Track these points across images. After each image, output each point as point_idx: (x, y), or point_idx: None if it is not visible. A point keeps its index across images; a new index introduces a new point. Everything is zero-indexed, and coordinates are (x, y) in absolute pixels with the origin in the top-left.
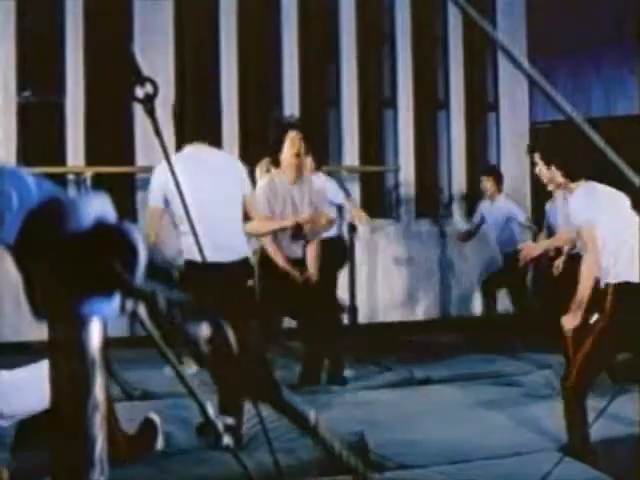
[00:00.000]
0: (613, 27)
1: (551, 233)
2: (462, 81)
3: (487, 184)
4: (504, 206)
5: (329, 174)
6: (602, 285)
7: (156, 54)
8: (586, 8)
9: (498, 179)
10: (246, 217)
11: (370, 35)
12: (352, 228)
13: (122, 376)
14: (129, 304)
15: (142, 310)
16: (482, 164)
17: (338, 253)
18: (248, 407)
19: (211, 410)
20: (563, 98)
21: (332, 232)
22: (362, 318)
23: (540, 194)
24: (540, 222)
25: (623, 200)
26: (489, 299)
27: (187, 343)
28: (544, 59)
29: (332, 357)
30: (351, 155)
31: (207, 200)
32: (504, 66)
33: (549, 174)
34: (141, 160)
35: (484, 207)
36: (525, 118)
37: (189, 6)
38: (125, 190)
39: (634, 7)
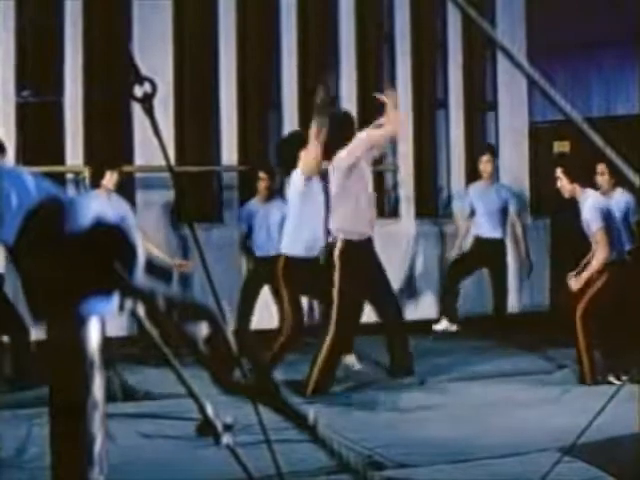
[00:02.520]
0: (613, 27)
1: None
2: (461, 80)
3: (488, 165)
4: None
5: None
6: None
7: (155, 53)
8: (586, 8)
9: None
10: None
11: (370, 35)
12: None
13: (123, 376)
14: (128, 304)
15: (141, 310)
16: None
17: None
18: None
19: (210, 410)
20: (563, 98)
21: None
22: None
23: (539, 193)
24: (541, 219)
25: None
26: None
27: (185, 342)
28: (544, 59)
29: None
30: None
31: None
32: (503, 65)
33: (571, 188)
34: (140, 159)
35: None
36: (524, 117)
37: (188, 6)
38: (124, 190)
39: (634, 7)
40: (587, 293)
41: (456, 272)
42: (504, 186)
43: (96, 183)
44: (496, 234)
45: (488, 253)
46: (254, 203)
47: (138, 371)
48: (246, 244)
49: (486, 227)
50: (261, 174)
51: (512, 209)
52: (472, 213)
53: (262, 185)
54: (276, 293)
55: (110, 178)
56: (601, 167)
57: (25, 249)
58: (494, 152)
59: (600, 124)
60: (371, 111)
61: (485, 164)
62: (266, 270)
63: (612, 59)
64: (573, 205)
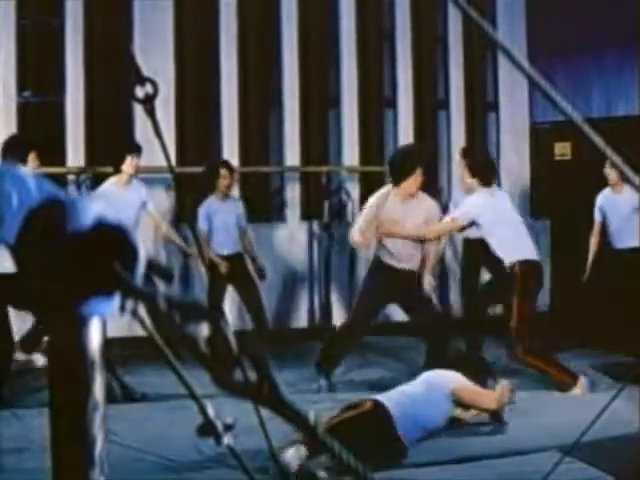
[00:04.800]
0: (613, 27)
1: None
2: (462, 81)
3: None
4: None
5: (328, 174)
6: None
7: (156, 54)
8: (586, 8)
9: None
10: None
11: (370, 35)
12: None
13: (123, 377)
14: (129, 304)
15: (142, 310)
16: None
17: None
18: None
19: (211, 410)
20: (563, 98)
21: None
22: None
23: (540, 194)
24: (540, 220)
25: None
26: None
27: (186, 342)
28: (544, 59)
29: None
30: (351, 155)
31: None
32: (504, 66)
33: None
34: (141, 160)
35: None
36: (525, 118)
37: (189, 6)
38: None
39: (634, 7)
40: None
41: (470, 286)
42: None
43: (117, 169)
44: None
45: (480, 254)
46: (213, 201)
47: (135, 371)
48: (203, 243)
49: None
50: (223, 171)
51: None
52: None
53: (223, 183)
54: (242, 292)
55: (131, 163)
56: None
57: (26, 249)
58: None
59: (600, 124)
60: (371, 111)
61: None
62: (228, 269)
63: (612, 59)
64: (574, 206)
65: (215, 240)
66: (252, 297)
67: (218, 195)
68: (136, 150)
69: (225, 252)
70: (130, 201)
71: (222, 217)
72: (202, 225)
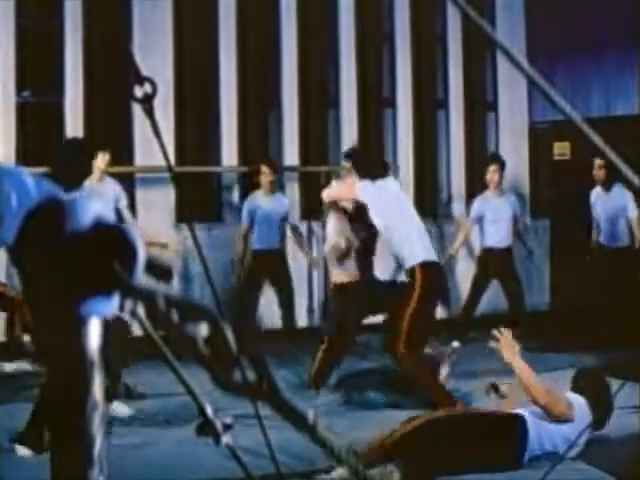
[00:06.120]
0: (613, 27)
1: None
2: (461, 81)
3: (495, 175)
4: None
5: (328, 174)
6: None
7: (155, 54)
8: (586, 8)
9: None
10: None
11: (370, 35)
12: None
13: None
14: (128, 304)
15: (141, 310)
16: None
17: None
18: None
19: (210, 410)
20: (562, 98)
21: None
22: None
23: (539, 194)
24: (540, 220)
25: None
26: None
27: (185, 342)
28: (543, 59)
29: None
30: None
31: None
32: (503, 66)
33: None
34: (140, 160)
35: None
36: (524, 118)
37: (189, 6)
38: (124, 190)
39: (634, 7)
40: None
41: (476, 293)
42: (512, 195)
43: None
44: (505, 244)
45: (498, 263)
46: (258, 197)
47: (133, 370)
48: (248, 238)
49: (496, 238)
50: (264, 168)
51: (519, 215)
52: (475, 222)
53: (266, 179)
54: (278, 287)
55: (102, 159)
56: (599, 162)
57: (25, 249)
58: (502, 162)
59: (599, 124)
60: (370, 111)
61: (492, 174)
62: (267, 264)
63: (612, 59)
64: (574, 206)
65: (256, 235)
66: (282, 294)
67: (262, 191)
68: (106, 146)
69: (262, 247)
70: (105, 197)
71: (265, 213)
72: (244, 220)
